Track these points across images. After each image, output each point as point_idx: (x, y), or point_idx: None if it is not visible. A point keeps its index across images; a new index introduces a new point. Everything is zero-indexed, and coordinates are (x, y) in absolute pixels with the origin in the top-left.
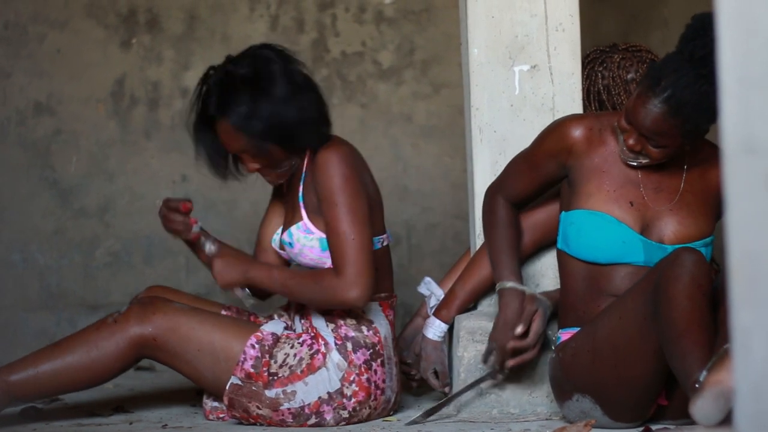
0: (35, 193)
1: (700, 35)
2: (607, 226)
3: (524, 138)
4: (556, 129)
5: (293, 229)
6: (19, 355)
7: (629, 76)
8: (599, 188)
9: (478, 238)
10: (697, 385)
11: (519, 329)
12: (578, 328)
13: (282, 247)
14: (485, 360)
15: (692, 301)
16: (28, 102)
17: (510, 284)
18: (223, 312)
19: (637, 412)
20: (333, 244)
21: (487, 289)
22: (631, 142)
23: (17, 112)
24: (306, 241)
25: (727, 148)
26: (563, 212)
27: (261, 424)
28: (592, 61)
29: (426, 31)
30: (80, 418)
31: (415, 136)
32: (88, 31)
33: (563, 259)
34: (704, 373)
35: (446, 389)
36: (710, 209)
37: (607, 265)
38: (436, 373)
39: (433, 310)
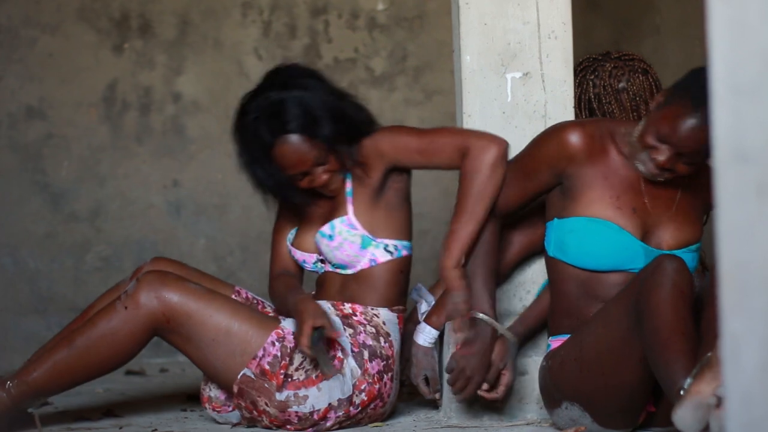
0: (26, 197)
1: None
2: (610, 234)
3: (516, 145)
4: (556, 136)
5: (336, 222)
6: (9, 359)
7: (620, 85)
8: (601, 196)
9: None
10: (682, 392)
11: (485, 386)
12: (568, 335)
13: (297, 246)
14: (448, 371)
15: (675, 309)
16: (20, 106)
17: (483, 316)
18: (234, 296)
19: (626, 420)
20: (437, 150)
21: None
22: (662, 159)
23: (8, 116)
24: (348, 235)
25: (719, 157)
26: (556, 219)
27: (262, 420)
28: (583, 70)
29: (418, 38)
30: (70, 423)
31: None
32: (80, 36)
33: (556, 266)
34: (688, 380)
35: (437, 395)
36: (700, 213)
37: (605, 271)
38: (426, 379)
39: (424, 316)
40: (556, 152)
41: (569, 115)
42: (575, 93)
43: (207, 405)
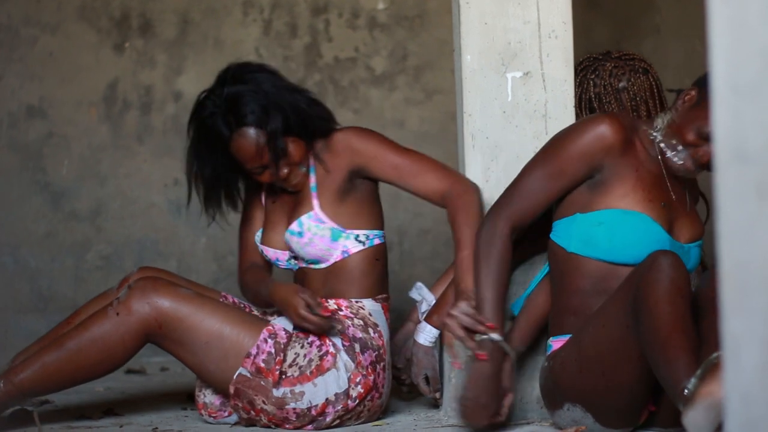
0: (27, 196)
1: None
2: (644, 226)
3: (516, 144)
4: (592, 128)
5: (303, 218)
6: (9, 357)
7: (621, 84)
8: (634, 189)
9: None
10: (686, 392)
11: (493, 415)
12: (569, 336)
13: (267, 245)
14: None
15: (673, 307)
16: (20, 105)
17: (494, 337)
18: (221, 300)
19: (627, 419)
20: (414, 173)
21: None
22: (706, 156)
23: (9, 115)
24: (317, 230)
25: (719, 157)
26: (579, 215)
27: (260, 419)
28: (584, 69)
29: (419, 37)
30: (70, 421)
31: (408, 142)
32: (81, 35)
33: (574, 262)
34: (693, 380)
35: (437, 395)
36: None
37: (627, 264)
38: (427, 378)
39: (425, 315)
40: (593, 145)
41: (570, 115)
42: (576, 92)
43: (203, 411)
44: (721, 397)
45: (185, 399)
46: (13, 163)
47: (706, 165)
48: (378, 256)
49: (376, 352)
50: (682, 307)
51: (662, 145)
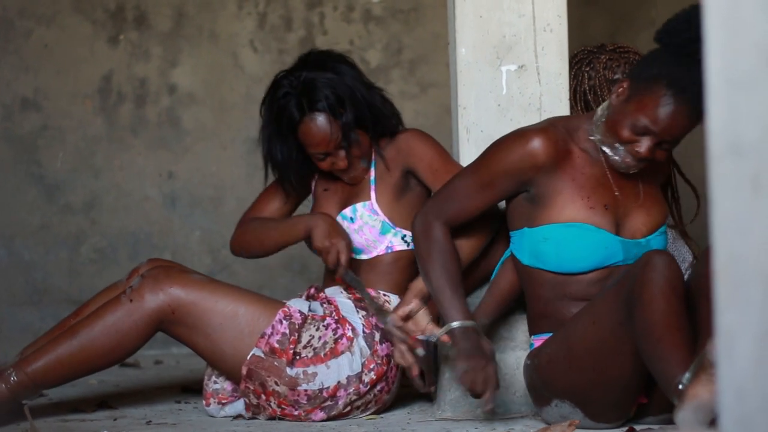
0: (21, 189)
1: (682, 25)
2: (588, 235)
3: None
4: (519, 146)
5: (358, 206)
6: (4, 349)
7: (615, 77)
8: (572, 198)
9: None
10: (680, 386)
11: (487, 406)
12: (550, 334)
13: None
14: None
15: (668, 305)
16: (15, 97)
17: (459, 324)
18: None
19: (618, 413)
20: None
21: (473, 288)
22: (643, 150)
23: (3, 107)
24: (369, 219)
25: (714, 150)
26: (527, 229)
27: (269, 404)
28: (579, 62)
29: (414, 31)
30: (64, 414)
31: None
32: (76, 27)
33: (531, 273)
34: (687, 375)
35: (431, 389)
36: (660, 192)
37: (583, 272)
38: (421, 372)
39: None
40: (520, 162)
41: (564, 108)
42: (570, 85)
43: (211, 399)
44: (708, 397)
45: (180, 392)
46: (7, 156)
47: (647, 158)
48: (415, 261)
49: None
50: (677, 305)
51: (600, 144)
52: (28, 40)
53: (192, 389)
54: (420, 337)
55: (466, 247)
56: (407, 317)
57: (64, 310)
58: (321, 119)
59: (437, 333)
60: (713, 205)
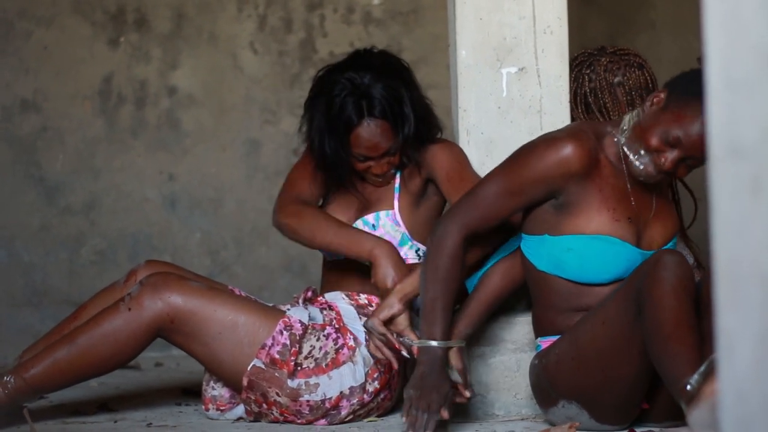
0: (21, 190)
1: None
2: (613, 249)
3: (511, 140)
4: (553, 152)
5: (382, 214)
6: (3, 351)
7: (616, 79)
8: (599, 210)
9: None
10: (689, 387)
11: (467, 393)
12: (558, 336)
13: None
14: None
15: (679, 303)
16: (15, 98)
17: (437, 344)
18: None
19: (623, 415)
20: (455, 191)
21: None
22: (668, 162)
23: (3, 109)
24: (391, 229)
25: (714, 152)
26: (548, 236)
27: (271, 412)
28: (579, 64)
29: (414, 32)
30: (64, 417)
31: None
32: (76, 29)
33: (545, 279)
34: (696, 377)
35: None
36: (671, 201)
37: (600, 284)
38: None
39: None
40: (552, 170)
41: (564, 110)
42: (571, 87)
43: (210, 405)
44: None
45: (180, 394)
46: (7, 157)
47: (668, 172)
48: None
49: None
50: (687, 304)
51: (625, 148)
52: (28, 42)
53: (192, 391)
54: (399, 339)
55: (471, 255)
56: (390, 320)
57: (63, 311)
58: (377, 126)
59: (413, 342)
60: (713, 207)
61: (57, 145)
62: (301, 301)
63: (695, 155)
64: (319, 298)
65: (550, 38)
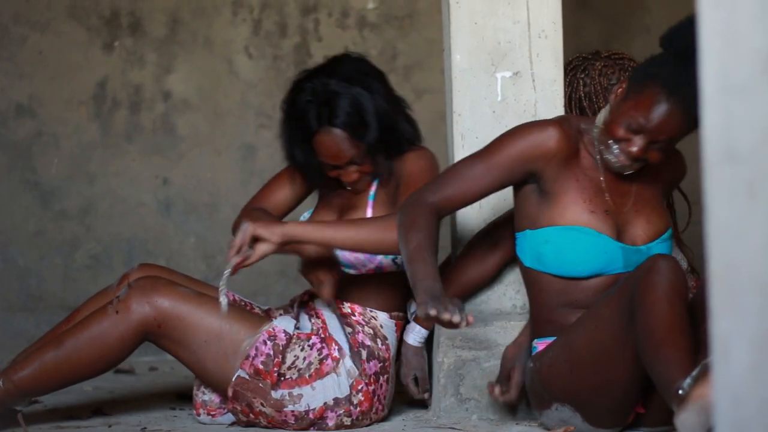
0: (16, 195)
1: (684, 32)
2: (589, 240)
3: None
4: (536, 132)
5: None
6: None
7: (611, 83)
8: (575, 200)
9: (459, 244)
10: (680, 392)
11: (497, 390)
12: (554, 338)
13: None
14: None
15: (672, 308)
16: (10, 103)
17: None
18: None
19: (616, 419)
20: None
21: (469, 294)
22: (635, 149)
23: None
24: None
25: (709, 156)
26: (528, 231)
27: (259, 422)
28: (574, 68)
29: (408, 37)
30: (58, 421)
31: None
32: (70, 33)
33: (534, 276)
34: (688, 381)
35: (426, 395)
36: (661, 200)
37: (585, 278)
38: (416, 379)
39: (414, 315)
40: (532, 148)
41: (559, 114)
42: (565, 92)
43: (201, 410)
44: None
45: (174, 399)
46: (2, 162)
47: (640, 158)
48: (406, 283)
49: (381, 364)
50: (680, 309)
51: (596, 143)
52: (23, 47)
53: (187, 396)
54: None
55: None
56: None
57: (58, 316)
58: (336, 135)
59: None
60: (708, 212)
61: (52, 149)
62: (296, 305)
63: (660, 138)
64: (311, 303)
65: (544, 43)
